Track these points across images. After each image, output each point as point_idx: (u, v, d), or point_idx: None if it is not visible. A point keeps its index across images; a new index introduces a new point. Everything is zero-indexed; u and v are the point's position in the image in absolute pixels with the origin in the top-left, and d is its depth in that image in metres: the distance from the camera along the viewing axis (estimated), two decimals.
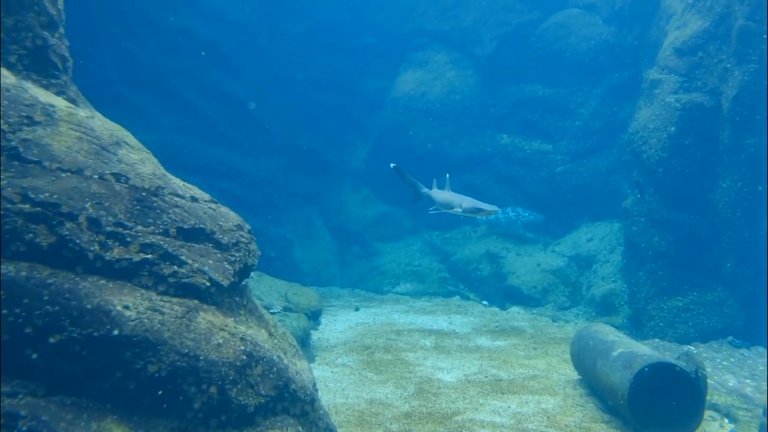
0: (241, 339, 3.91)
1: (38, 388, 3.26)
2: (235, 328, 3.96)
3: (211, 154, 16.15)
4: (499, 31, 16.69)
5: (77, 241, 3.50)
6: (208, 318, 3.83)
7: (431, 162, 16.52)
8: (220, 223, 4.29)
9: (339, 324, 11.85)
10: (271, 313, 8.53)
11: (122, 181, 3.93)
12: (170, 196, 4.14)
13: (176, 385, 3.52)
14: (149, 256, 3.74)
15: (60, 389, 3.31)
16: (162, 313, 3.60)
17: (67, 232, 3.47)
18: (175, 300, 3.75)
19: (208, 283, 3.93)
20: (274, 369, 4.06)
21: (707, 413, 7.35)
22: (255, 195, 16.77)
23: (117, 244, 3.66)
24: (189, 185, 4.52)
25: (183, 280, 3.83)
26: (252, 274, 4.64)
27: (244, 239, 4.38)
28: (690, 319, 10.72)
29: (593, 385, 7.83)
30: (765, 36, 10.22)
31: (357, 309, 13.28)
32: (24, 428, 3.09)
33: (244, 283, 4.48)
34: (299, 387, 4.29)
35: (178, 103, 16.05)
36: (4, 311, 3.17)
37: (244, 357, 3.84)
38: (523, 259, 14.56)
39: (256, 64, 17.28)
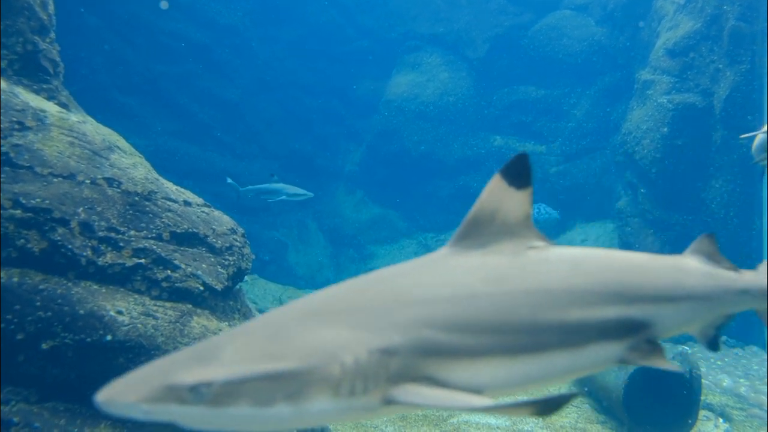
0: None
1: (31, 395, 3.23)
2: None
3: (205, 158, 16.10)
4: (492, 33, 16.71)
5: (69, 246, 3.48)
6: (201, 322, 3.81)
7: (425, 164, 16.54)
8: (214, 227, 4.28)
9: None
10: None
11: (114, 185, 3.91)
12: (163, 200, 4.12)
13: None
14: (142, 260, 3.73)
15: (53, 395, 3.29)
16: (155, 318, 3.58)
17: (59, 238, 3.45)
18: (168, 305, 3.73)
19: (201, 288, 3.92)
20: None
21: (702, 413, 7.35)
22: (248, 199, 16.73)
23: (109, 249, 3.64)
24: (182, 189, 4.50)
25: (176, 284, 3.81)
26: (246, 277, 4.62)
27: (237, 243, 4.36)
28: None
29: (588, 386, 7.82)
30: (759, 36, 10.28)
31: None
32: None
33: (237, 286, 4.46)
34: None
35: (171, 108, 16.00)
36: None
37: None
38: None
39: (249, 69, 17.25)
